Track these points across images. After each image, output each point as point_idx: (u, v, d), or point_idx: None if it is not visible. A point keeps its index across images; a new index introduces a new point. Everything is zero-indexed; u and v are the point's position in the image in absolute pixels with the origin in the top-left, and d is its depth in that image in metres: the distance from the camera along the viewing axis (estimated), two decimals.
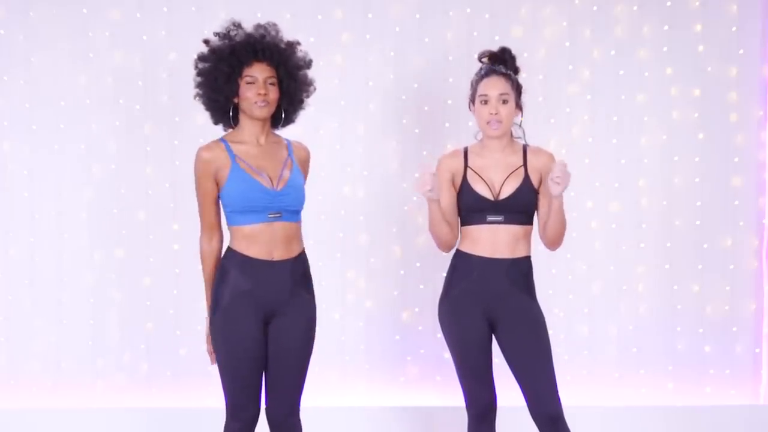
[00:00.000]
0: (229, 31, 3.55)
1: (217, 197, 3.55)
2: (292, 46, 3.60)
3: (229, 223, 3.56)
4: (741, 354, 5.01)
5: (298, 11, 4.89)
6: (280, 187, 3.50)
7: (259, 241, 3.49)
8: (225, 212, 3.56)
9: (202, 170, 3.52)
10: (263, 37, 3.54)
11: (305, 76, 3.62)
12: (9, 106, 4.96)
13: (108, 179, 4.97)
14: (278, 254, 3.51)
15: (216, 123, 3.66)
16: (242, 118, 3.57)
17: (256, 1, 4.75)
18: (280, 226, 3.51)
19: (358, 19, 4.96)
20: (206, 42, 3.58)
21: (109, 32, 4.93)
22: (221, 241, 3.60)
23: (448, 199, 3.63)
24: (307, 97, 3.66)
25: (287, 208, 3.51)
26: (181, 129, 4.92)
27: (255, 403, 3.52)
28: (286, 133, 3.70)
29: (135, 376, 5.00)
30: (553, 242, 3.64)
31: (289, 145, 3.62)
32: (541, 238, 3.66)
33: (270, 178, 3.51)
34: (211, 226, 3.58)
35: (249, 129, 3.56)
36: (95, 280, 4.99)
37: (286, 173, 3.53)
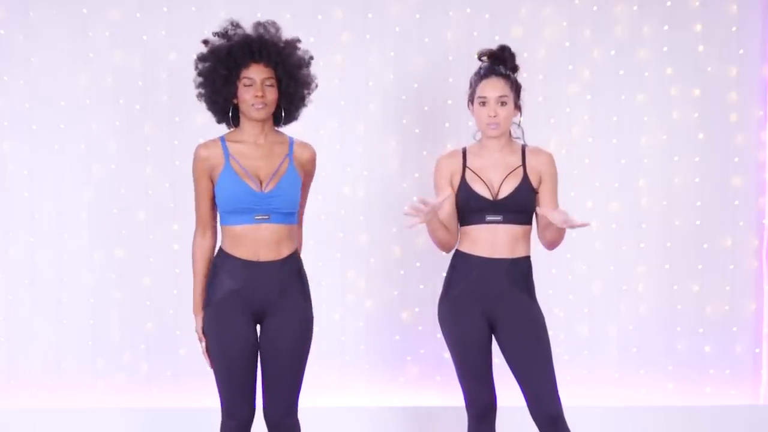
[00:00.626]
0: (227, 31, 3.54)
1: (213, 196, 3.56)
2: (291, 44, 3.58)
3: (220, 223, 3.57)
4: (741, 354, 5.00)
5: (298, 11, 4.89)
6: (268, 189, 3.49)
7: (245, 242, 3.49)
8: (219, 211, 3.57)
9: (198, 168, 3.55)
10: (261, 37, 3.52)
11: (305, 74, 3.60)
12: (9, 106, 4.96)
13: (108, 179, 4.97)
14: (265, 256, 3.50)
15: (219, 122, 3.66)
16: (242, 118, 3.57)
17: (256, 1, 4.74)
18: (267, 228, 3.50)
19: (358, 19, 4.96)
20: (205, 42, 3.58)
21: (109, 32, 4.93)
22: (214, 240, 3.60)
23: (448, 200, 3.63)
24: (309, 94, 3.64)
25: (277, 210, 3.50)
26: (181, 129, 4.92)
27: (249, 402, 3.53)
28: (290, 131, 3.69)
29: (135, 376, 5.00)
30: (552, 244, 3.65)
31: (291, 145, 3.60)
32: (540, 238, 3.66)
33: (260, 180, 3.50)
34: (204, 223, 3.59)
35: (248, 129, 3.56)
36: (95, 280, 4.99)
37: (279, 175, 3.52)
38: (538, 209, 3.57)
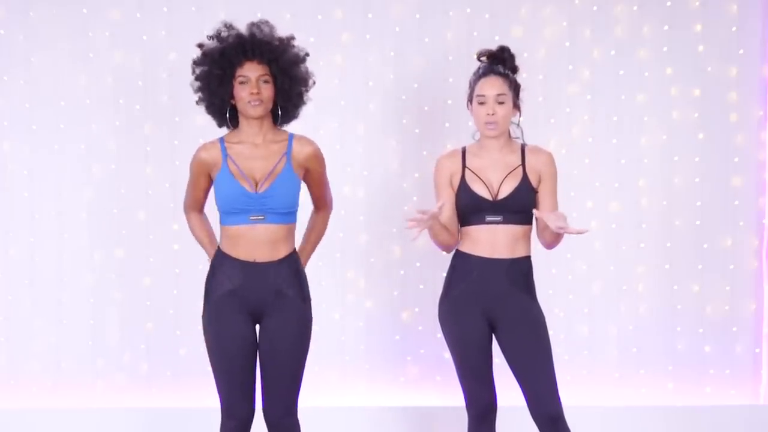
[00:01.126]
0: (220, 33, 3.55)
1: (209, 187, 3.63)
2: (285, 42, 3.58)
3: (220, 223, 3.59)
4: (741, 354, 5.00)
5: (298, 11, 4.89)
6: (262, 190, 3.50)
7: (241, 242, 3.51)
8: (218, 212, 3.59)
9: (196, 169, 3.60)
10: (254, 35, 3.53)
11: (301, 71, 3.59)
12: (9, 106, 4.96)
13: (108, 179, 4.97)
14: (261, 256, 3.51)
15: (220, 126, 3.66)
16: (240, 118, 3.58)
17: (256, 1, 4.74)
18: (263, 229, 3.50)
19: (358, 19, 4.96)
20: (200, 46, 3.58)
21: (109, 32, 4.93)
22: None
23: (448, 201, 3.63)
24: (306, 91, 3.64)
25: (272, 210, 3.50)
26: (181, 129, 4.92)
27: (249, 402, 3.53)
28: (290, 131, 3.68)
29: (135, 376, 5.00)
30: (551, 245, 3.65)
31: (290, 143, 3.59)
32: (539, 237, 3.66)
33: (255, 181, 3.51)
34: (198, 205, 3.70)
35: (247, 129, 3.57)
36: (95, 280, 4.99)
37: (274, 175, 3.52)
38: (535, 212, 3.56)
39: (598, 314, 5.02)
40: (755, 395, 5.01)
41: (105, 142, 4.97)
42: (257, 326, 3.56)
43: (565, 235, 3.59)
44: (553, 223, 3.43)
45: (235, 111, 3.58)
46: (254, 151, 3.54)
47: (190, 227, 3.75)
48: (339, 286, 5.00)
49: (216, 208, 3.59)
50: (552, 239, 3.60)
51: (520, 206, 3.58)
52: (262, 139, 3.56)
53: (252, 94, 3.49)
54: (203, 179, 3.60)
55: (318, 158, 3.63)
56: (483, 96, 3.59)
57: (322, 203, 3.76)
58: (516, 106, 3.65)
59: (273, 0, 4.82)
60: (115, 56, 4.94)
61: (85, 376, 5.00)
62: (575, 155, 4.95)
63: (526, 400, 3.56)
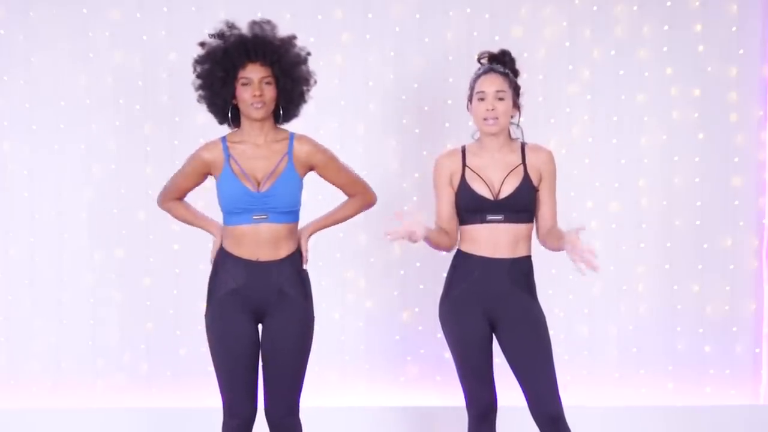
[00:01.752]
0: (222, 33, 3.55)
1: (197, 185, 3.67)
2: (286, 42, 3.58)
3: (223, 222, 3.60)
4: (741, 354, 5.00)
5: (298, 11, 4.89)
6: (264, 189, 3.50)
7: (244, 242, 3.52)
8: (222, 212, 3.59)
9: (194, 166, 3.62)
10: (256, 36, 3.53)
11: (303, 71, 3.60)
12: (9, 106, 4.96)
13: (108, 179, 4.97)
14: (264, 255, 3.52)
15: (221, 124, 3.67)
16: (242, 118, 3.58)
17: (256, 1, 4.74)
18: (265, 228, 3.51)
19: (358, 19, 4.96)
20: (202, 44, 3.58)
21: (109, 32, 4.94)
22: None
23: (448, 200, 3.63)
24: (308, 91, 3.64)
25: (274, 209, 3.51)
26: (181, 129, 4.92)
27: (251, 401, 3.53)
28: (291, 129, 3.68)
29: (135, 376, 5.00)
30: (554, 250, 3.63)
31: (290, 141, 3.60)
32: (539, 239, 3.66)
33: (257, 180, 3.51)
34: (179, 195, 3.72)
35: (248, 129, 3.58)
36: (95, 280, 4.99)
37: (275, 175, 3.52)
38: (567, 234, 3.48)
39: (598, 314, 5.02)
40: (755, 395, 5.02)
41: (105, 142, 4.97)
42: (260, 325, 3.57)
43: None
44: (570, 250, 3.37)
45: (236, 110, 3.58)
46: (256, 151, 3.55)
47: (173, 215, 3.77)
48: (339, 286, 5.00)
49: (219, 208, 3.59)
50: (555, 246, 3.58)
51: (521, 205, 3.58)
52: (263, 139, 3.57)
53: (255, 96, 3.49)
54: (198, 177, 3.63)
55: (320, 152, 3.63)
56: (482, 92, 3.58)
57: (353, 190, 3.76)
58: (516, 105, 3.65)
59: (273, 0, 4.82)
60: (115, 56, 4.94)
61: (85, 376, 5.00)
62: (575, 155, 4.95)
63: (527, 400, 3.56)
